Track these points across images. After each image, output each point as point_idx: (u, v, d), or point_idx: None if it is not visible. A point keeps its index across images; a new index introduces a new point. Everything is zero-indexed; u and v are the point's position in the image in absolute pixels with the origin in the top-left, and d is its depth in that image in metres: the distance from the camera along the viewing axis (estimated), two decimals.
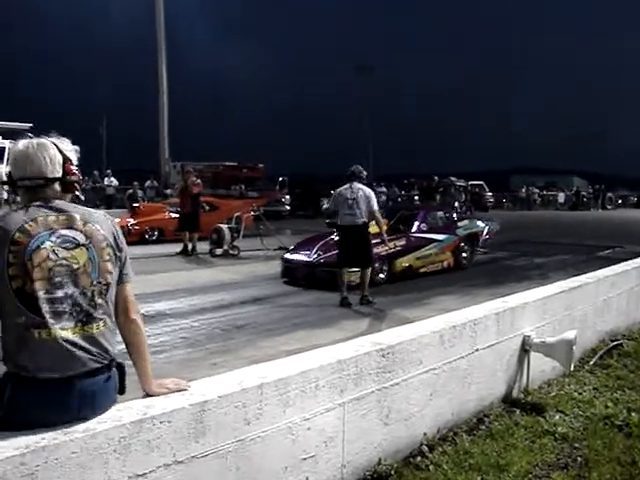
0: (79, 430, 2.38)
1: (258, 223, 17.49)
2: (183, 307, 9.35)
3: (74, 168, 2.66)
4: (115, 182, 28.17)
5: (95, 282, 2.51)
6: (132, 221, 18.34)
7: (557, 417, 4.66)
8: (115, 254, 2.61)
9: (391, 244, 11.24)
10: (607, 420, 4.68)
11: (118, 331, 2.67)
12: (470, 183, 37.98)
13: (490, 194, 39.66)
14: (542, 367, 5.29)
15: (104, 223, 2.63)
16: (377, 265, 11.02)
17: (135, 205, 20.18)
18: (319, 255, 11.44)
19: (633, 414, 4.75)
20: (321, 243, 11.81)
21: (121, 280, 2.66)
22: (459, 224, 13.70)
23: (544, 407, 4.80)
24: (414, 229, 12.57)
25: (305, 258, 11.56)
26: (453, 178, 35.26)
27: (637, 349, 6.52)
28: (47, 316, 2.38)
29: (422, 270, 12.24)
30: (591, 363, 6.01)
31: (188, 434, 2.68)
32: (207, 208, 18.80)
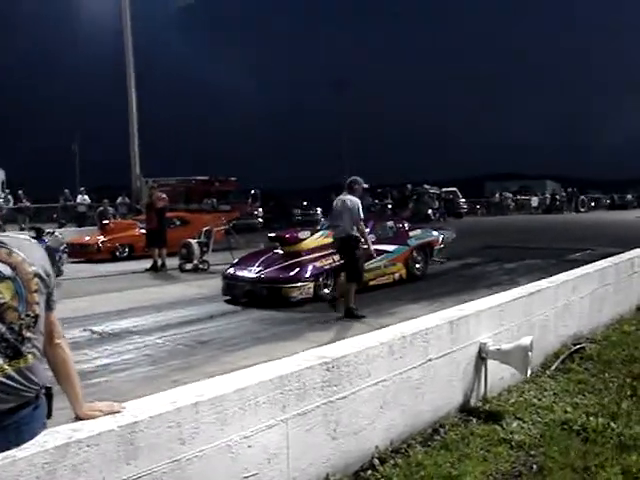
0: None
1: (229, 237, 17.41)
2: (148, 324, 9.24)
3: None
4: (87, 200, 28.00)
5: (23, 315, 2.40)
6: (102, 238, 18.23)
7: (514, 424, 4.63)
8: (43, 282, 2.51)
9: (336, 257, 10.89)
10: (565, 425, 4.66)
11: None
12: (443, 190, 38.12)
13: (464, 200, 39.77)
14: (501, 374, 5.26)
15: (31, 251, 2.52)
16: (321, 279, 10.88)
17: (105, 222, 20.04)
18: (260, 271, 11.09)
19: (591, 418, 4.73)
20: (263, 258, 11.51)
21: (48, 307, 2.56)
22: (410, 234, 13.34)
23: (502, 415, 4.77)
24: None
25: (246, 274, 11.18)
26: (426, 186, 35.47)
27: (599, 352, 6.51)
28: None
29: (372, 283, 11.72)
30: (552, 368, 5.99)
31: (118, 457, 2.61)
32: (178, 223, 18.77)
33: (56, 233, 14.06)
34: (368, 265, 11.39)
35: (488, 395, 5.09)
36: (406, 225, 13.83)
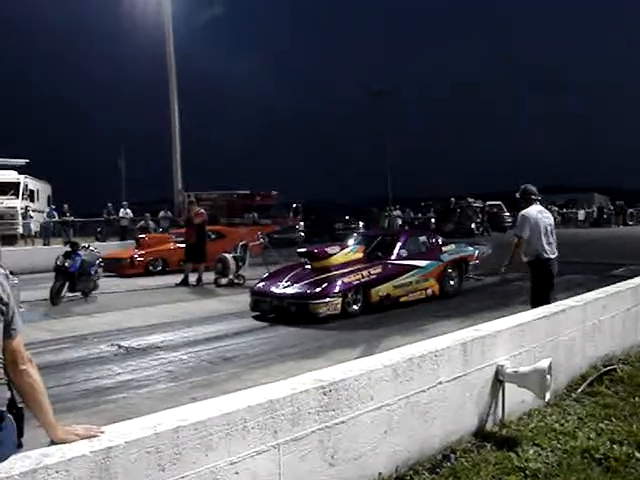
0: None
1: (266, 251, 17.38)
2: (176, 339, 9.23)
3: None
4: (130, 214, 28.38)
5: None
6: (136, 253, 18.32)
7: (531, 451, 4.42)
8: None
9: (365, 272, 10.96)
10: (586, 453, 4.42)
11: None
12: (488, 203, 37.63)
13: (508, 214, 39.12)
14: (522, 397, 5.06)
15: None
16: (350, 295, 10.68)
17: (140, 237, 20.14)
18: (288, 286, 10.94)
19: (615, 446, 4.50)
20: (292, 274, 11.34)
21: (8, 335, 2.52)
22: (444, 249, 13.08)
23: (519, 440, 4.57)
24: (393, 256, 12.00)
25: (274, 289, 11.02)
26: (470, 199, 35.07)
27: (631, 374, 6.24)
28: None
29: (403, 299, 11.63)
30: (579, 391, 5.76)
31: None
32: (213, 236, 18.71)
33: (91, 247, 14.17)
34: (399, 281, 11.56)
35: (506, 419, 4.89)
36: (440, 240, 13.58)
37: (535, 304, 7.25)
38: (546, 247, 8.03)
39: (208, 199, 27.32)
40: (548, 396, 4.85)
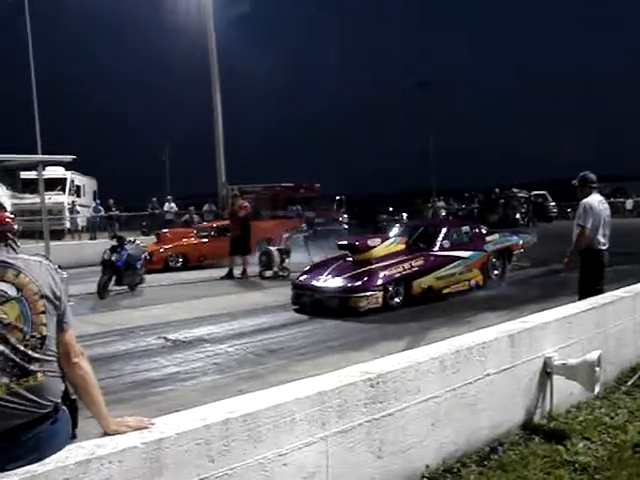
0: (19, 473, 2.30)
1: (306, 243, 17.39)
2: (222, 332, 9.31)
3: (8, 216, 2.58)
4: (175, 208, 28.67)
5: (28, 336, 2.42)
6: (156, 248, 17.88)
7: (581, 445, 4.36)
8: (51, 304, 2.52)
9: (407, 264, 10.85)
10: (638, 448, 4.35)
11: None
12: (533, 193, 37.02)
13: (554, 204, 38.48)
14: (570, 390, 4.99)
15: (39, 272, 2.54)
16: (391, 288, 10.53)
17: (163, 231, 19.85)
18: (328, 280, 10.85)
19: None
20: (333, 267, 11.26)
21: (61, 329, 2.58)
22: (487, 239, 12.85)
23: (567, 434, 4.51)
24: (435, 247, 11.83)
25: (315, 283, 10.95)
26: (515, 189, 34.56)
27: None
28: None
29: (445, 291, 11.47)
30: (629, 384, 5.65)
31: (142, 474, 2.57)
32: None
33: (137, 242, 14.36)
34: (442, 272, 11.39)
35: (554, 412, 4.84)
36: (483, 229, 13.37)
37: (583, 295, 7.13)
38: (601, 238, 7.85)
39: (252, 192, 27.40)
40: (597, 389, 4.78)
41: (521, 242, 13.64)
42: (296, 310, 10.80)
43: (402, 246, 11.56)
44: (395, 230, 13.03)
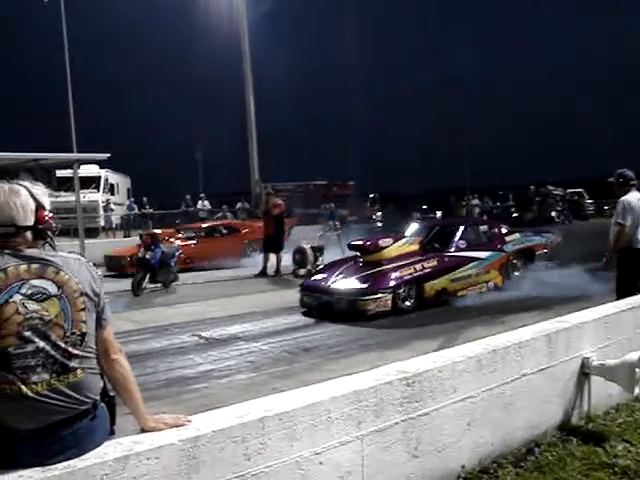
0: (59, 467, 2.34)
1: (340, 240, 17.38)
2: (256, 330, 9.35)
3: (47, 214, 2.60)
4: (208, 205, 28.80)
5: (69, 333, 2.44)
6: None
7: (620, 447, 4.27)
8: (91, 301, 2.54)
9: (418, 265, 10.47)
10: None
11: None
12: (569, 191, 36.55)
13: (590, 201, 37.84)
14: (609, 391, 4.91)
15: (78, 269, 2.56)
16: (401, 290, 10.14)
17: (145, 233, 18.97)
18: (336, 281, 10.48)
19: None
20: (343, 268, 10.90)
21: (100, 325, 2.60)
22: (507, 239, 12.36)
23: (606, 435, 4.43)
24: (450, 247, 11.38)
25: (322, 284, 10.57)
26: (550, 187, 34.14)
27: None
28: (18, 372, 2.34)
29: (461, 293, 10.94)
30: None
31: (179, 471, 2.59)
32: (225, 232, 18.19)
33: (171, 239, 14.46)
34: (457, 274, 10.95)
35: (592, 413, 4.76)
36: (503, 229, 12.91)
37: (621, 295, 7.00)
38: None
39: (285, 190, 27.48)
40: (637, 390, 4.68)
41: (544, 242, 13.22)
42: (304, 313, 10.49)
43: (415, 246, 11.25)
44: (410, 229, 12.63)
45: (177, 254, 14.01)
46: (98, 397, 2.56)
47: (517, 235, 12.77)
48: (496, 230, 12.61)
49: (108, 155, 18.14)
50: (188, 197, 29.47)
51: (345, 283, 10.33)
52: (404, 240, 11.41)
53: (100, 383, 2.59)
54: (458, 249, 11.33)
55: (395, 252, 10.87)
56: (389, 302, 9.92)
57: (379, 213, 31.11)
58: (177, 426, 2.74)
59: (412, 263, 10.50)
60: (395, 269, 10.32)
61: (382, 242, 11.10)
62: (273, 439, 2.88)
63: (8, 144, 17.89)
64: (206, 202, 28.94)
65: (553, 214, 31.89)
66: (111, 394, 2.66)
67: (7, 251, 2.46)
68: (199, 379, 6.89)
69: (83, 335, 2.49)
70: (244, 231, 18.42)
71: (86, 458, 2.42)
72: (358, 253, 11.32)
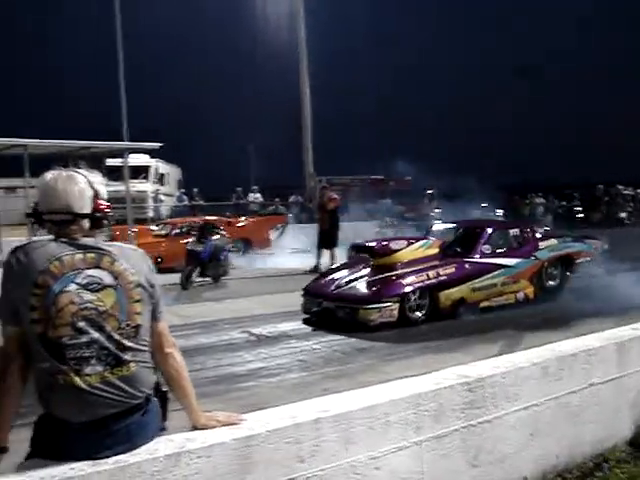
0: (109, 462, 2.28)
1: None
2: (307, 328, 9.19)
3: (104, 203, 2.54)
4: (260, 198, 28.68)
5: (123, 325, 2.38)
6: None
7: None
8: (146, 293, 2.47)
9: (432, 272, 9.41)
10: None
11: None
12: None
13: None
14: None
15: (134, 260, 2.49)
16: (412, 299, 9.10)
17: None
18: (340, 287, 9.57)
19: None
20: (352, 271, 10.01)
21: (154, 318, 2.53)
22: (541, 244, 11.11)
23: None
24: (474, 252, 10.22)
25: (325, 289, 9.66)
26: (620, 186, 32.95)
27: None
28: (71, 363, 2.29)
29: (484, 304, 9.80)
30: None
31: (231, 470, 2.50)
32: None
33: (223, 233, 14.39)
34: (478, 282, 9.86)
35: None
36: (537, 233, 11.70)
37: None
38: None
39: (340, 184, 27.20)
40: None
41: (586, 249, 11.90)
42: (305, 321, 9.68)
43: (434, 250, 10.08)
44: (433, 231, 11.67)
45: (228, 247, 13.93)
46: (151, 392, 2.48)
47: (553, 241, 11.56)
48: (529, 234, 11.39)
49: (160, 144, 18.09)
50: (239, 189, 29.34)
51: (348, 289, 9.49)
52: (421, 243, 10.24)
53: (153, 377, 2.51)
54: (482, 254, 10.29)
55: (409, 256, 9.77)
56: (395, 312, 8.92)
57: (437, 210, 30.50)
58: (230, 424, 2.66)
59: (426, 269, 9.49)
60: (405, 275, 9.33)
61: (394, 244, 10.07)
62: (328, 441, 2.76)
63: (60, 132, 18.18)
64: (258, 194, 28.77)
65: (622, 215, 30.69)
66: (163, 389, 2.58)
67: (63, 239, 2.41)
68: (249, 377, 6.78)
69: (137, 327, 2.42)
70: (229, 228, 17.00)
71: (137, 453, 2.35)
72: (367, 255, 10.24)
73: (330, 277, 10.15)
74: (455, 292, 9.50)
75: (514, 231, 11.17)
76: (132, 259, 2.47)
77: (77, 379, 2.28)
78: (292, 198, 28.49)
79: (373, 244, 10.34)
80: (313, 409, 2.81)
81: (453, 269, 9.67)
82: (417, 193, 29.79)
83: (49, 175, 2.48)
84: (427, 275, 9.33)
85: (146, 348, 2.46)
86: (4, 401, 2.31)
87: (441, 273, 9.47)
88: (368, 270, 9.79)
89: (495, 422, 3.41)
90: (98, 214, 2.50)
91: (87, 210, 2.47)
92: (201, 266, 13.11)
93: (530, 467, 3.62)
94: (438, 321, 9.16)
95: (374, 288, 9.23)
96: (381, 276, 9.41)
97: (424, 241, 10.31)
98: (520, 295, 10.36)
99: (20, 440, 2.44)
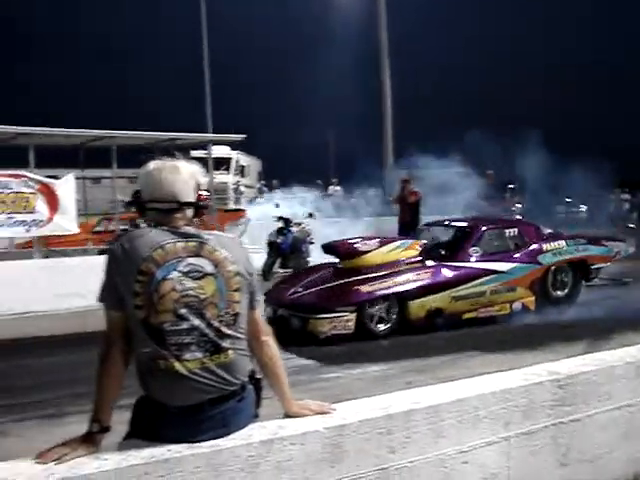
0: (205, 446, 2.35)
1: None
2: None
3: (204, 193, 2.60)
4: (340, 190, 28.69)
5: (223, 312, 2.43)
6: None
7: None
8: (245, 281, 2.52)
9: (401, 278, 8.45)
10: None
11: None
12: None
13: None
14: None
15: (234, 249, 2.54)
16: (374, 309, 8.22)
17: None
18: (295, 292, 8.68)
19: None
20: (315, 276, 9.10)
21: (251, 306, 2.58)
22: (546, 247, 9.70)
23: None
24: (459, 255, 9.16)
25: (281, 296, 8.76)
26: None
27: None
28: (172, 348, 2.35)
29: (467, 316, 8.74)
30: None
31: (322, 458, 2.54)
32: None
33: (303, 224, 14.50)
34: (461, 291, 8.78)
35: None
36: (542, 234, 10.23)
37: None
38: None
39: (420, 177, 26.95)
40: None
41: (604, 253, 10.43)
42: None
43: (412, 252, 9.05)
44: (418, 231, 10.84)
45: (308, 239, 14.05)
46: (247, 379, 2.54)
47: (561, 243, 9.97)
48: (530, 235, 9.96)
49: (244, 136, 18.34)
50: (319, 182, 29.45)
51: (302, 295, 8.54)
52: (397, 243, 9.24)
53: (249, 365, 2.57)
54: (469, 258, 9.16)
55: (382, 258, 8.82)
56: (351, 324, 8.01)
57: (518, 205, 29.71)
58: (321, 413, 2.70)
59: (394, 274, 8.51)
60: (367, 281, 8.36)
61: (363, 244, 9.04)
62: (418, 433, 2.77)
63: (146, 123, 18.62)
64: (338, 187, 28.83)
65: None
66: (257, 377, 2.63)
67: (165, 227, 2.46)
68: (331, 368, 6.84)
69: (236, 315, 2.47)
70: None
71: (232, 439, 2.41)
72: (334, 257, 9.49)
73: (290, 282, 9.24)
74: (430, 301, 8.52)
75: (512, 231, 9.88)
76: (231, 248, 2.52)
77: (177, 364, 2.34)
78: (372, 191, 28.37)
79: (338, 244, 9.47)
80: (405, 400, 2.84)
81: (429, 275, 8.71)
82: (499, 187, 29.16)
83: (153, 165, 2.55)
84: (394, 281, 8.40)
85: (243, 336, 2.51)
86: (107, 382, 2.38)
87: (412, 279, 8.54)
88: (331, 274, 8.99)
89: (586, 421, 3.35)
90: (201, 203, 2.56)
91: (192, 199, 2.52)
92: (282, 257, 13.24)
93: (622, 468, 3.54)
94: (408, 335, 8.30)
95: (327, 295, 8.37)
96: (341, 281, 8.55)
97: (401, 242, 9.38)
98: (517, 305, 9.22)
99: (119, 422, 2.52)
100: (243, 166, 30.74)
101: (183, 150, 15.71)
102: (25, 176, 11.71)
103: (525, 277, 9.34)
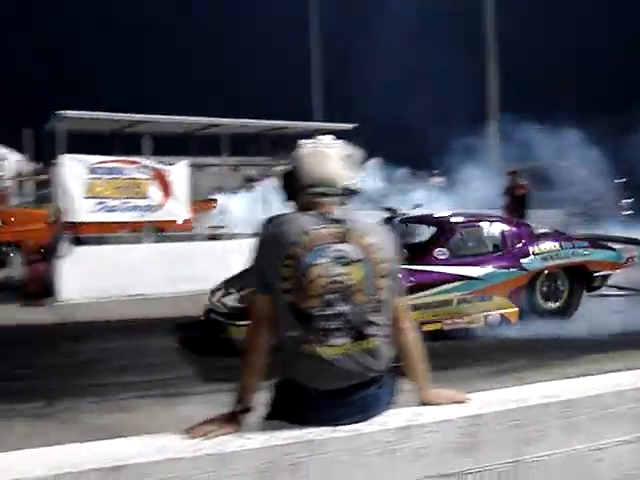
0: (345, 429, 2.39)
1: None
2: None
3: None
4: (444, 182, 28.32)
5: (369, 299, 2.44)
6: None
7: None
8: (391, 268, 2.51)
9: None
10: None
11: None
12: None
13: None
14: None
15: (381, 235, 2.54)
16: None
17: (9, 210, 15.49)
18: (227, 295, 7.77)
19: None
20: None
21: (395, 293, 2.58)
22: (533, 249, 8.42)
23: None
24: (422, 258, 8.00)
25: (215, 298, 7.92)
26: None
27: None
28: (318, 333, 2.38)
29: (430, 327, 7.48)
30: None
31: (456, 447, 2.54)
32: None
33: (408, 215, 14.38)
34: (424, 299, 7.61)
35: None
36: (530, 233, 8.90)
37: None
38: None
39: (525, 169, 26.44)
40: None
41: (611, 258, 9.03)
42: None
43: None
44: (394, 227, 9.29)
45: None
46: (388, 366, 2.56)
47: (554, 245, 8.63)
48: (515, 235, 8.65)
49: (351, 125, 18.18)
50: (421, 172, 29.13)
51: (227, 298, 7.71)
52: None
53: (391, 352, 2.58)
54: (435, 261, 8.05)
55: None
56: None
57: (627, 200, 28.25)
58: (456, 402, 2.70)
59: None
60: None
61: None
62: (553, 428, 2.72)
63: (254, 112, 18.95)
64: (441, 178, 28.45)
65: None
66: (395, 364, 2.64)
67: (313, 212, 2.47)
68: (439, 360, 6.77)
69: (381, 302, 2.47)
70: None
71: (370, 424, 2.44)
72: None
73: (229, 284, 8.20)
74: None
75: (492, 229, 8.66)
76: (378, 234, 2.52)
77: (322, 349, 2.37)
78: (476, 182, 27.91)
79: None
80: (540, 394, 2.80)
81: None
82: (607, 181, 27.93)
83: (306, 149, 2.57)
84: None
85: (387, 323, 2.52)
86: (253, 360, 2.44)
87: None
88: None
89: None
90: (352, 188, 2.57)
91: (346, 183, 2.53)
92: None
93: None
94: None
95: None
96: None
97: None
98: (493, 318, 8.06)
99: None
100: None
101: (290, 139, 15.89)
102: (139, 162, 12.15)
103: (503, 284, 8.16)
